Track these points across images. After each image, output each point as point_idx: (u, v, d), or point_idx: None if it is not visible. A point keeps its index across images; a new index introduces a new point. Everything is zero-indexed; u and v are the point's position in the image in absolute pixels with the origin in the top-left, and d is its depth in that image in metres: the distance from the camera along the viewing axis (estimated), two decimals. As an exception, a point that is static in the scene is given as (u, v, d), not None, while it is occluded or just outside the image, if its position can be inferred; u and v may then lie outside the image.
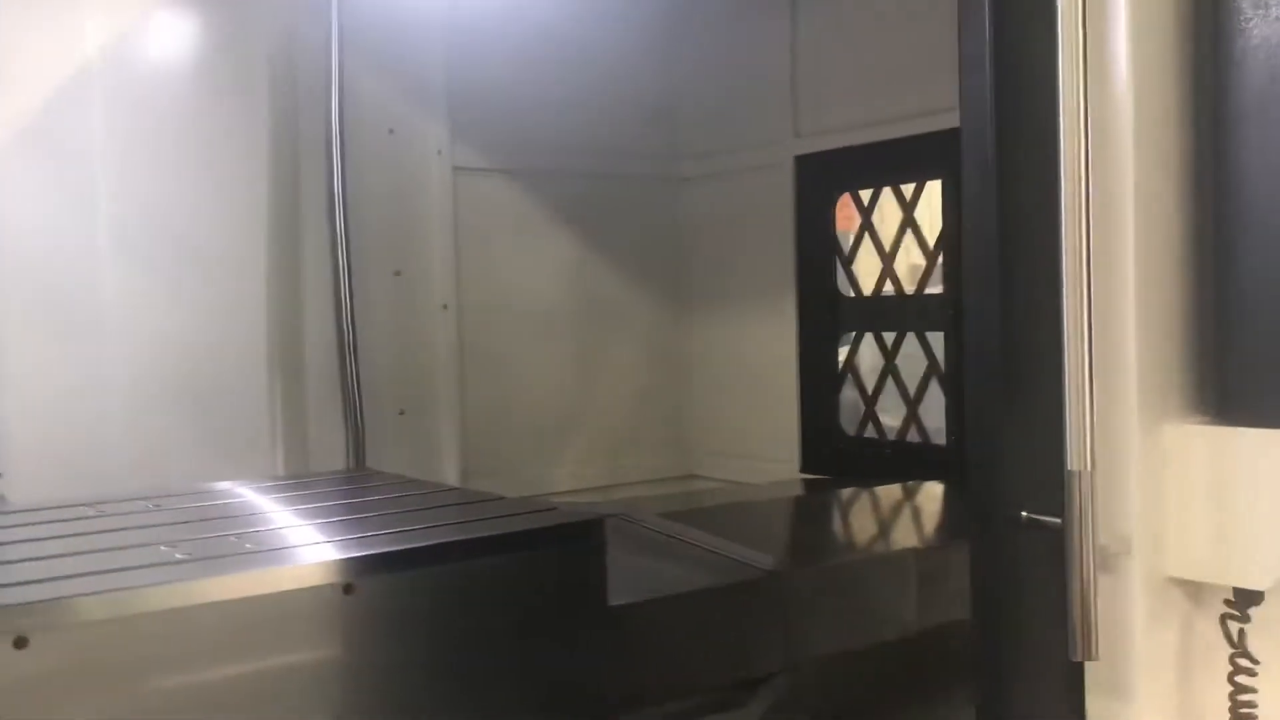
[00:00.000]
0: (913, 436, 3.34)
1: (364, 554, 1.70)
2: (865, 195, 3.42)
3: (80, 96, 3.01)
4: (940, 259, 3.21)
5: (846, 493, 2.97)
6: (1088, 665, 1.22)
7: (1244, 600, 1.22)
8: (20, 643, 1.42)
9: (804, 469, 3.56)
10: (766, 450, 3.64)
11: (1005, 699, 1.26)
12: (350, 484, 2.47)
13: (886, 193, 3.37)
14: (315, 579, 1.63)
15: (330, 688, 1.64)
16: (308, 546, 1.78)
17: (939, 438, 3.26)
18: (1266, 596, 1.21)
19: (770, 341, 3.63)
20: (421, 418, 3.33)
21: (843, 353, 3.50)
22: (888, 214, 3.38)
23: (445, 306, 3.39)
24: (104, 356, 3.02)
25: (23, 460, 2.84)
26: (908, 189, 3.32)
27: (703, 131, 3.77)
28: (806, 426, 3.56)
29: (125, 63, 3.05)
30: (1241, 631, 1.23)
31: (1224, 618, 1.24)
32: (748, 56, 3.62)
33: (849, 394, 3.49)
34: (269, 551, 1.73)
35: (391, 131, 3.25)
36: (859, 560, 2.43)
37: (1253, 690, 1.23)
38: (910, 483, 3.07)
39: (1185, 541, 1.22)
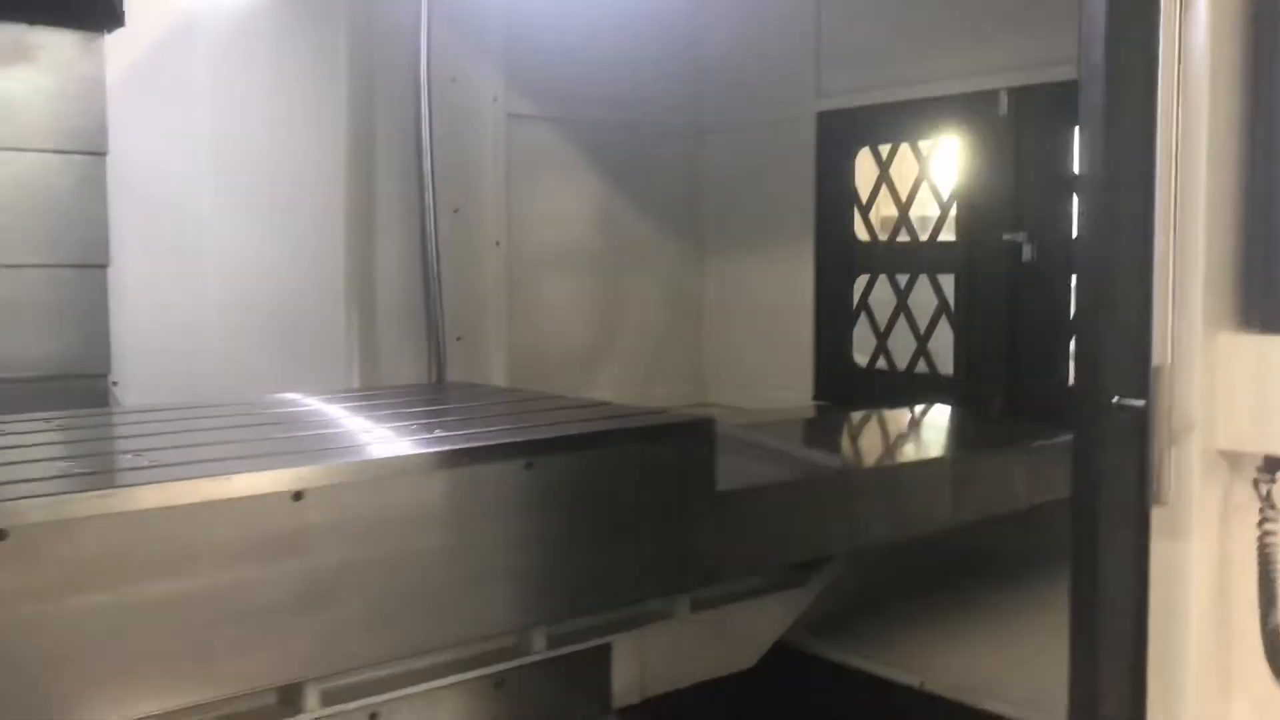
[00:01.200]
0: (921, 368, 3.75)
1: (541, 438, 2.06)
2: (884, 150, 3.80)
3: (184, 42, 3.28)
4: (953, 210, 3.60)
5: (873, 413, 3.37)
6: (1155, 512, 1.62)
7: (1271, 465, 1.63)
8: (298, 496, 1.76)
9: (817, 397, 3.95)
10: (781, 380, 4.03)
11: (1093, 539, 1.65)
12: (468, 393, 2.81)
13: (904, 148, 3.75)
14: (500, 458, 1.99)
15: (515, 550, 2.00)
16: (494, 434, 2.12)
17: (946, 369, 3.68)
18: (1291, 462, 1.62)
19: (787, 282, 4.01)
20: (475, 344, 3.66)
21: (857, 294, 3.89)
22: (905, 168, 3.76)
23: (498, 243, 3.71)
24: (203, 278, 3.31)
25: (133, 367, 3.13)
26: (924, 145, 3.71)
27: (729, 88, 4.11)
28: (821, 359, 3.96)
29: (222, 10, 3.31)
30: (1269, 491, 1.64)
31: (1256, 481, 1.65)
32: (775, 20, 3.96)
33: (862, 330, 3.89)
34: (461, 435, 2.09)
35: (454, 79, 3.55)
36: (905, 464, 2.83)
37: (1274, 533, 1.64)
38: (922, 405, 3.49)
39: (1231, 422, 1.62)
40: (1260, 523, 1.65)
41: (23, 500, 1.55)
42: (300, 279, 3.38)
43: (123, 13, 2.77)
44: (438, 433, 2.09)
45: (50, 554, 1.55)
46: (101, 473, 1.87)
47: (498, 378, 3.69)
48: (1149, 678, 1.70)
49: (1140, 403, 1.60)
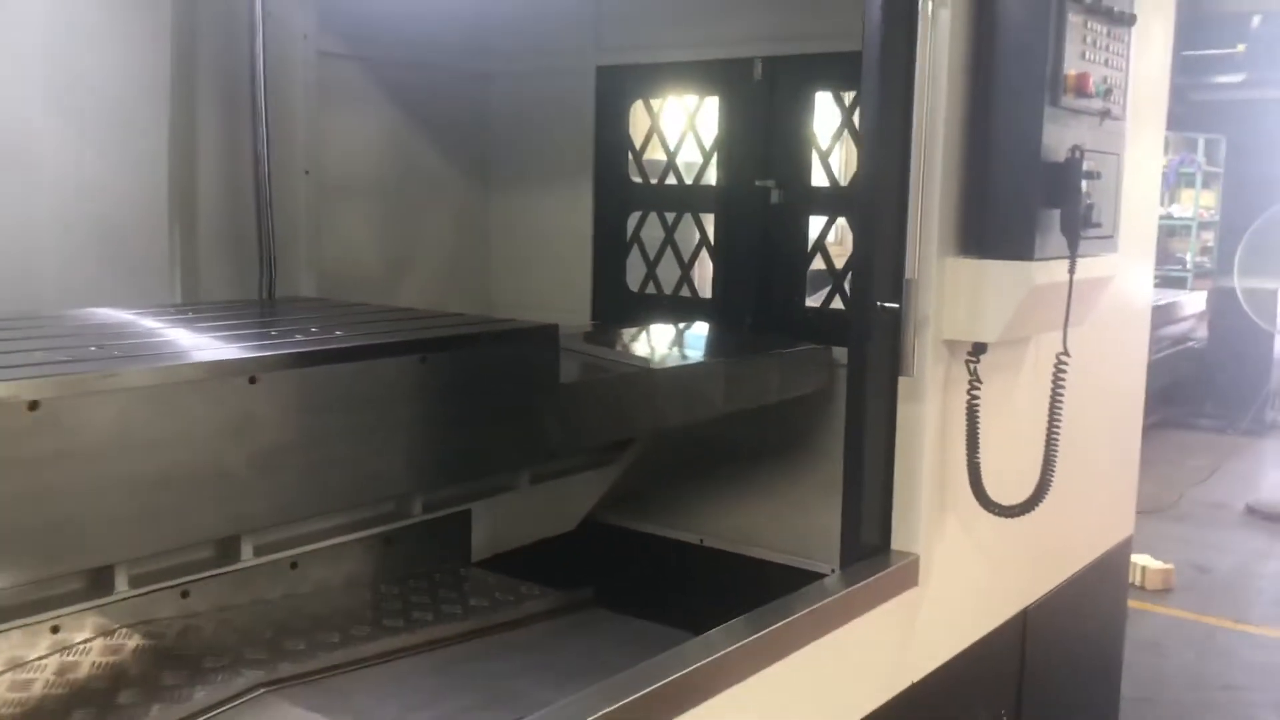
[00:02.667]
0: (685, 293, 4.39)
1: (429, 338, 2.51)
2: (655, 104, 4.37)
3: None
4: (714, 158, 4.23)
5: (652, 328, 3.97)
6: (902, 382, 2.30)
7: (977, 349, 2.34)
8: (253, 380, 2.13)
9: (594, 318, 4.51)
10: (562, 303, 4.54)
11: (861, 401, 2.31)
12: (313, 305, 3.16)
13: (673, 103, 4.34)
14: (398, 353, 2.43)
15: (400, 432, 2.44)
16: (387, 334, 2.53)
17: (706, 293, 4.33)
18: (989, 348, 2.34)
19: (567, 217, 4.51)
20: (287, 265, 3.96)
21: (630, 228, 4.46)
22: (674, 120, 4.35)
23: (307, 172, 4.01)
24: (33, 190, 3.44)
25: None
26: (690, 101, 4.31)
27: (517, 37, 4.53)
28: (598, 285, 4.51)
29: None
30: (975, 368, 2.36)
31: (967, 360, 2.36)
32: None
33: (634, 260, 4.47)
34: (362, 334, 2.49)
35: (270, 15, 3.80)
36: (687, 365, 3.46)
37: (977, 397, 2.36)
38: (686, 323, 4.13)
39: (953, 318, 2.32)
40: (969, 389, 2.37)
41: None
42: (126, 194, 3.56)
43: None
44: (337, 333, 2.50)
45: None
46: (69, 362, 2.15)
47: (307, 294, 4.00)
48: (894, 504, 2.39)
49: (896, 305, 2.27)
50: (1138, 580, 4.95)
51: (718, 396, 3.38)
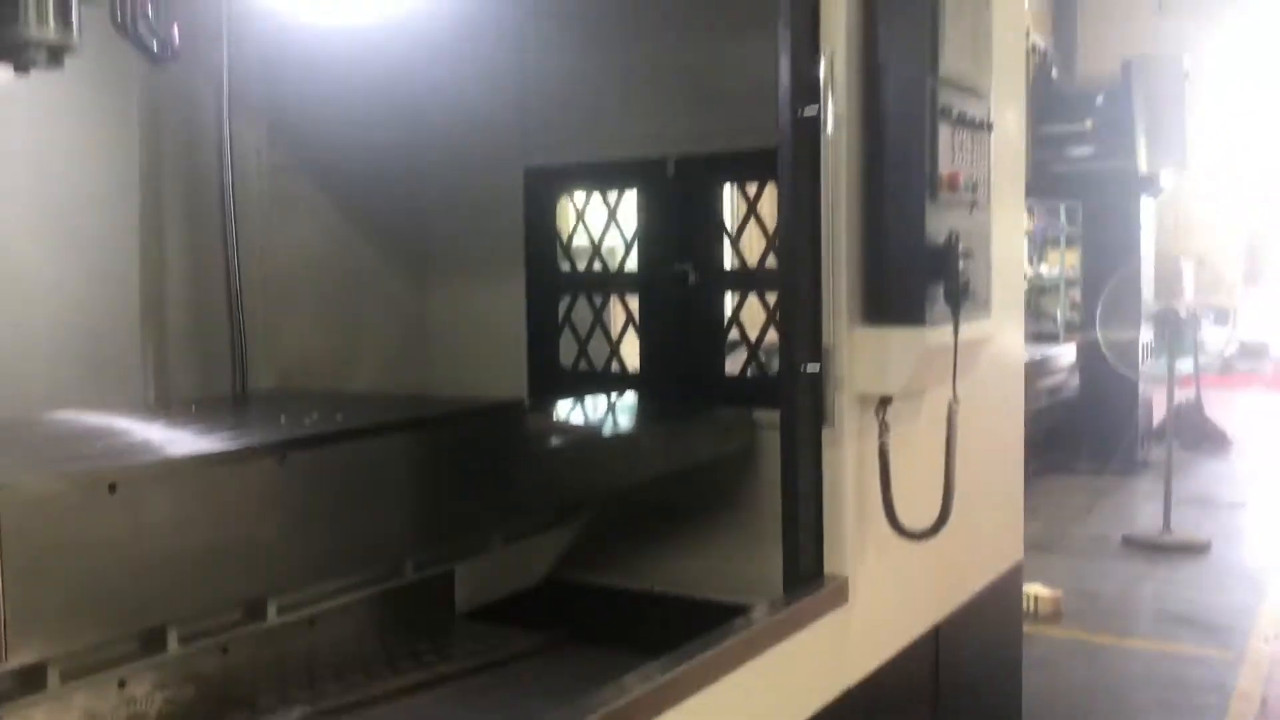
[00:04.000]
0: (614, 368, 4.82)
1: (411, 418, 2.88)
2: (579, 198, 4.84)
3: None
4: (635, 245, 4.71)
5: (588, 399, 4.40)
6: (825, 431, 2.76)
7: (884, 401, 2.82)
8: (282, 459, 2.48)
9: (530, 396, 4.91)
10: (499, 383, 4.93)
11: (793, 448, 2.75)
12: (294, 394, 3.50)
13: (596, 197, 4.81)
14: (381, 434, 2.80)
15: (392, 502, 2.81)
16: (374, 416, 2.89)
17: (633, 367, 4.77)
18: (894, 400, 2.82)
19: (502, 303, 4.92)
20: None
21: (561, 311, 4.89)
22: (597, 212, 4.82)
23: (264, 274, 4.36)
24: (22, 306, 3.72)
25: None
26: (611, 195, 4.79)
27: (450, 143, 4.95)
28: (533, 364, 4.91)
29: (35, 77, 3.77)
30: (883, 417, 2.83)
31: (876, 410, 2.83)
32: (487, 92, 4.86)
33: (566, 340, 4.89)
34: (351, 422, 2.86)
35: (231, 137, 4.16)
36: (633, 430, 3.88)
37: (886, 442, 2.84)
38: (619, 395, 4.56)
39: (862, 375, 2.79)
40: (880, 435, 2.84)
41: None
42: (102, 303, 3.86)
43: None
44: (338, 416, 2.86)
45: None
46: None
47: (265, 384, 4.33)
48: (825, 535, 2.84)
49: (816, 367, 2.74)
50: (1031, 608, 5.48)
51: (655, 458, 3.80)
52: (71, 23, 2.07)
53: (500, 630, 3.05)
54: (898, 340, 2.76)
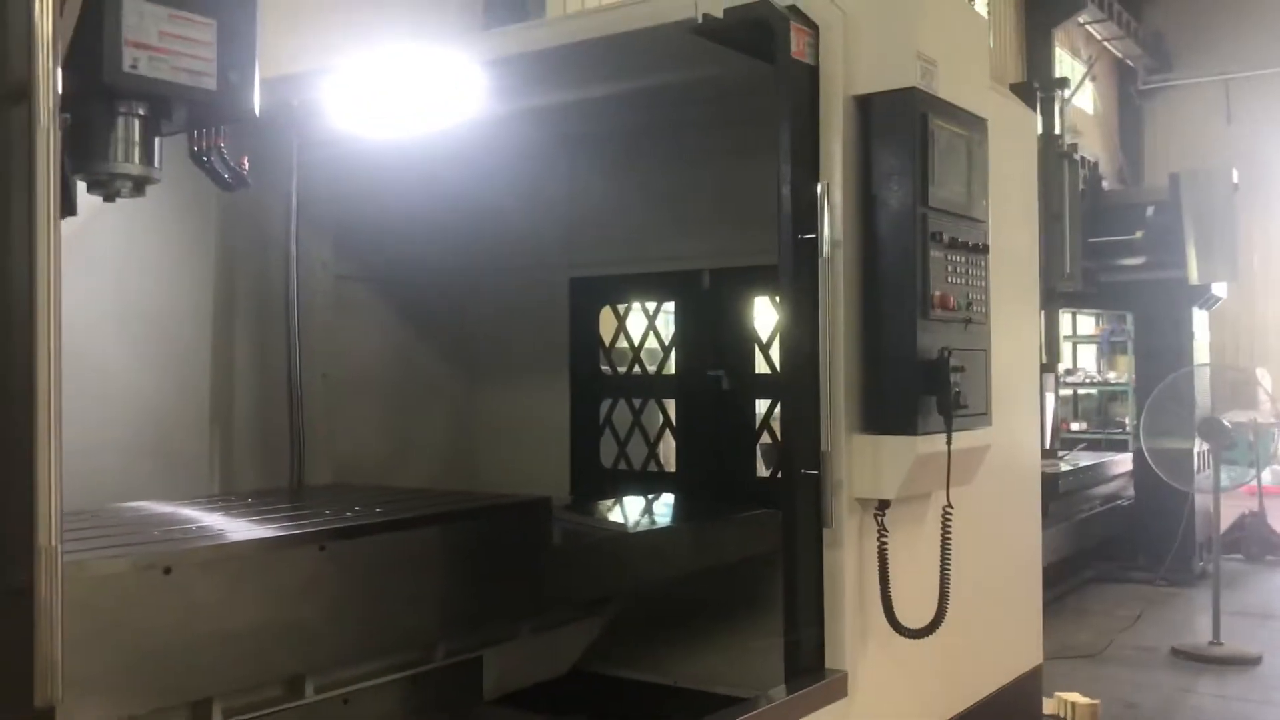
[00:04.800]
0: (652, 468, 5.04)
1: (452, 510, 3.13)
2: (621, 307, 5.13)
3: (99, 221, 4.08)
4: (673, 352, 4.96)
5: (625, 500, 4.61)
6: (825, 532, 2.94)
7: (882, 505, 3.00)
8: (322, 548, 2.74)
9: (572, 493, 5.14)
10: (543, 481, 5.16)
11: (794, 548, 2.94)
12: (343, 489, 3.78)
13: (636, 306, 5.09)
14: (427, 525, 3.04)
15: (423, 592, 3.04)
16: (415, 509, 3.15)
17: (670, 467, 4.99)
18: (893, 503, 3.00)
19: (547, 405, 5.19)
20: (307, 459, 4.58)
21: (603, 413, 5.15)
22: (637, 320, 5.10)
23: (324, 375, 4.68)
24: (100, 406, 4.06)
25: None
26: (651, 304, 5.07)
27: (500, 256, 5.29)
28: (575, 463, 5.15)
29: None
30: (882, 520, 3.01)
31: (875, 514, 3.01)
32: (536, 208, 5.20)
33: (606, 440, 5.13)
34: (388, 515, 3.11)
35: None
36: (663, 528, 4.08)
37: (886, 543, 3.01)
38: (654, 495, 4.77)
39: (860, 480, 2.98)
40: (878, 536, 3.02)
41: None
42: (174, 403, 4.20)
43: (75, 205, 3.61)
44: (377, 510, 3.12)
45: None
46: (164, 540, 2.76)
47: (322, 479, 4.62)
48: (825, 630, 3.00)
49: (815, 472, 2.94)
50: (1067, 716, 5.49)
51: (684, 556, 3.99)
52: (154, 158, 2.36)
53: (525, 717, 3.24)
54: (891, 448, 2.95)
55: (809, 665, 2.94)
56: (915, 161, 2.91)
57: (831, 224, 2.89)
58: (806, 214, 2.91)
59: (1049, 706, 5.40)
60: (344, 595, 2.81)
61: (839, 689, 2.93)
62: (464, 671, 3.29)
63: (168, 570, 2.42)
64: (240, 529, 2.83)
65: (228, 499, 3.54)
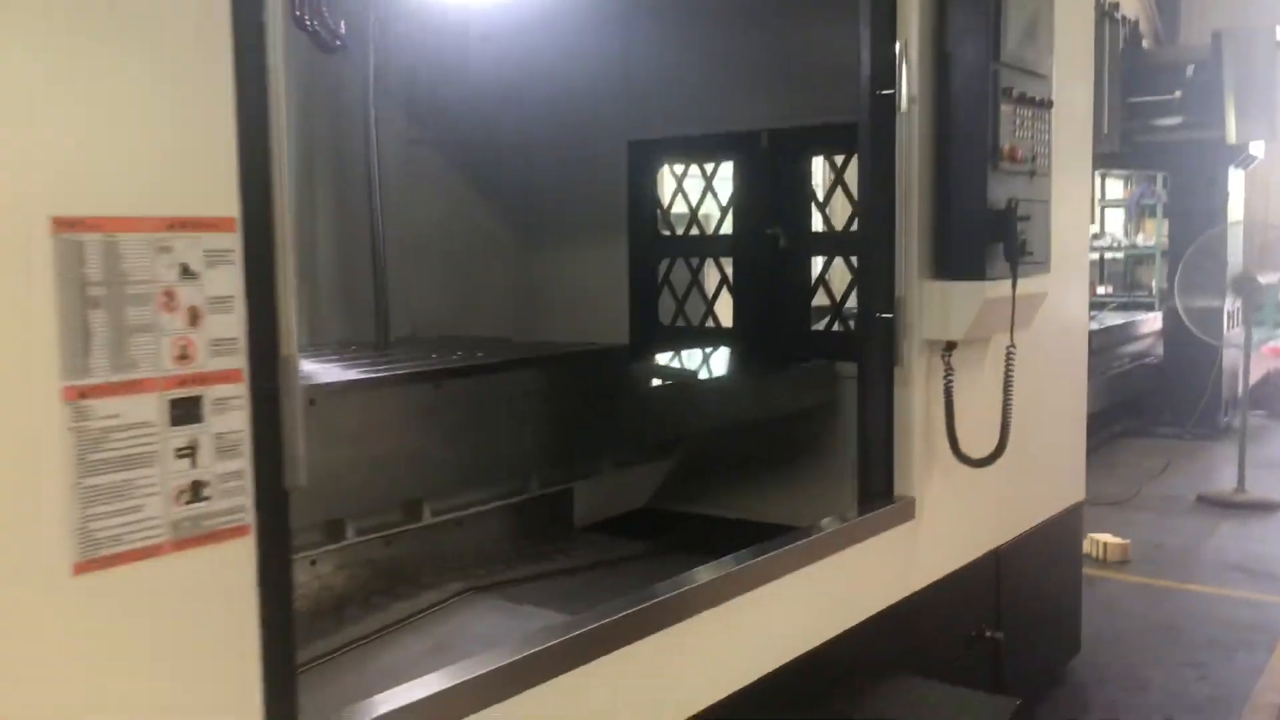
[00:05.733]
0: (709, 324, 5.27)
1: (549, 355, 3.38)
2: (679, 169, 5.29)
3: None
4: (730, 211, 5.14)
5: (687, 353, 4.86)
6: (896, 371, 3.19)
7: (949, 346, 3.23)
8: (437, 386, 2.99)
9: (631, 352, 5.38)
10: (602, 338, 5.42)
11: (867, 387, 3.19)
12: (434, 341, 4.04)
13: (694, 168, 5.25)
14: (526, 367, 3.29)
15: (526, 428, 3.30)
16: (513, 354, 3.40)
17: (726, 324, 5.22)
18: (959, 345, 3.23)
19: (606, 265, 5.40)
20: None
21: (661, 273, 5.35)
22: (695, 181, 5.27)
23: (400, 241, 4.89)
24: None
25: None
26: (709, 166, 5.23)
27: (559, 119, 5.44)
28: (634, 321, 5.38)
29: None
30: (949, 359, 3.24)
31: (942, 355, 3.25)
32: (592, 71, 5.32)
33: (664, 299, 5.35)
34: (490, 359, 3.36)
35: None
36: (719, 378, 4.33)
37: (951, 381, 3.25)
38: (713, 349, 5.01)
39: (930, 324, 3.21)
40: (945, 375, 3.26)
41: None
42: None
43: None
44: (479, 354, 3.37)
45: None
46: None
47: (400, 334, 4.87)
48: (895, 460, 3.26)
49: (890, 315, 3.17)
50: (1099, 554, 5.82)
51: (746, 403, 4.25)
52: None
53: (612, 540, 3.54)
54: (961, 293, 3.17)
55: (880, 491, 3.21)
56: (989, 18, 3.05)
57: (909, 81, 3.05)
58: (885, 72, 3.07)
59: (1084, 546, 5.73)
60: (455, 429, 3.08)
61: (907, 512, 3.20)
62: (556, 502, 3.58)
63: (312, 402, 2.67)
64: (362, 370, 3.09)
65: (332, 348, 3.79)
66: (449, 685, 1.87)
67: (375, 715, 1.76)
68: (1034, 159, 3.27)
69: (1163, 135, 9.57)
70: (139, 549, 1.45)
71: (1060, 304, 3.91)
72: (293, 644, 1.65)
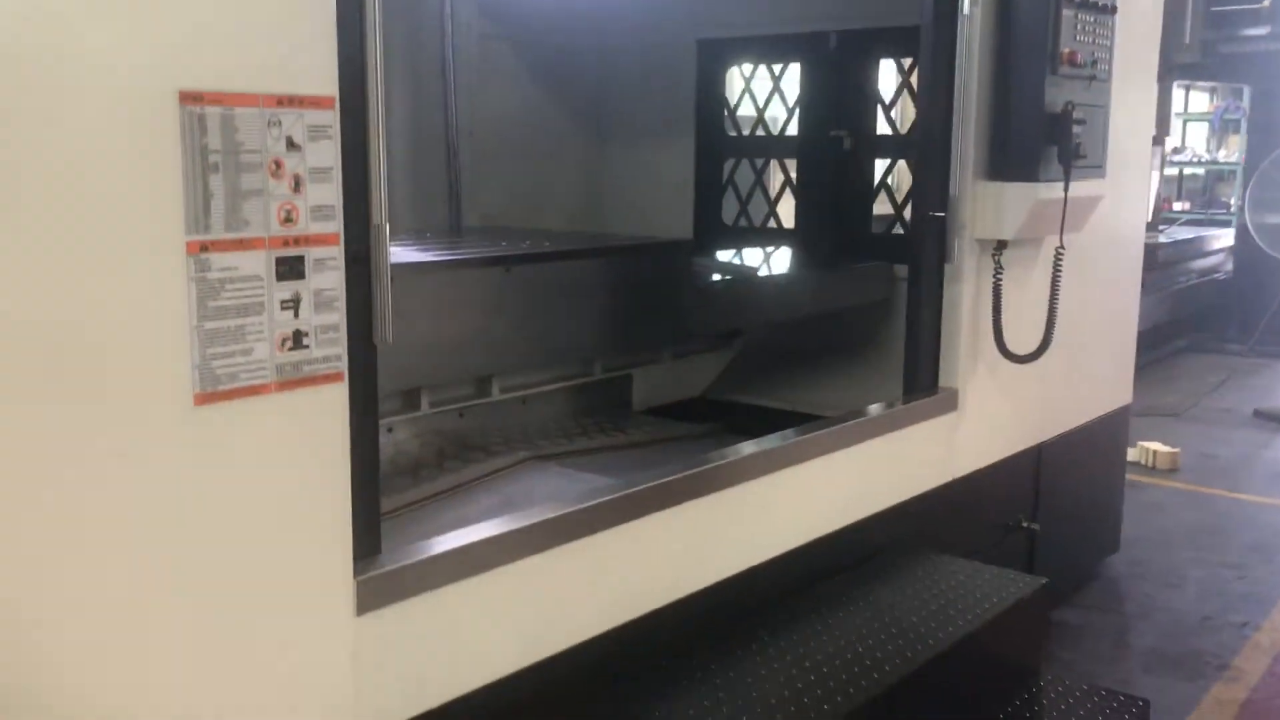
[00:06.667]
0: (771, 225, 5.39)
1: (616, 246, 3.54)
2: (747, 69, 5.36)
3: None
4: (796, 112, 5.22)
5: (749, 250, 5.00)
6: (946, 268, 3.31)
7: (1000, 245, 3.34)
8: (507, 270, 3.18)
9: (695, 249, 5.52)
10: (667, 234, 5.57)
11: (918, 281, 3.32)
12: (502, 231, 4.22)
13: (762, 68, 5.32)
14: (591, 256, 3.46)
15: (591, 315, 3.48)
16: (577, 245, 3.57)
17: (788, 224, 5.33)
18: (1009, 245, 3.33)
19: (672, 164, 5.52)
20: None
21: (726, 172, 5.46)
22: (761, 82, 5.34)
23: (471, 133, 5.05)
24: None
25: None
26: (776, 67, 5.29)
27: (630, 17, 5.51)
28: (698, 220, 5.51)
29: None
30: (999, 258, 3.35)
31: (993, 254, 3.36)
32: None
33: (728, 199, 5.46)
34: (558, 246, 3.53)
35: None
36: (780, 274, 4.48)
37: (1000, 280, 3.36)
38: (775, 248, 5.14)
39: (982, 223, 3.31)
40: (994, 273, 3.37)
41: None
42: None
43: None
44: (546, 244, 3.54)
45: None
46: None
47: (471, 223, 5.05)
48: (941, 354, 3.40)
49: (942, 214, 3.28)
50: (1149, 462, 5.92)
51: (805, 299, 4.38)
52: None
53: (668, 422, 3.74)
54: (1013, 193, 3.26)
55: (925, 383, 3.36)
56: (1054, -79, 3.09)
57: (972, -18, 3.11)
58: (948, -27, 3.13)
59: (1132, 455, 5.83)
60: (523, 313, 3.26)
61: (950, 402, 3.36)
62: (617, 386, 3.78)
63: (391, 280, 2.87)
64: (437, 253, 3.28)
65: (408, 235, 3.99)
66: (512, 529, 2.09)
67: (449, 547, 1.99)
68: (1094, 64, 3.33)
69: (1248, 45, 9.34)
70: (249, 386, 1.66)
71: (1117, 210, 3.97)
72: (377, 479, 1.87)
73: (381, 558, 1.91)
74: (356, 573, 1.83)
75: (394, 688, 1.91)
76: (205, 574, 1.64)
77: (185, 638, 1.63)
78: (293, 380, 1.72)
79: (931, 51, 3.18)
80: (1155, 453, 5.87)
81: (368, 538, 1.89)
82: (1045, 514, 3.93)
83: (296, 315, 1.71)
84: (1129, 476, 4.87)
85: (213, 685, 1.67)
